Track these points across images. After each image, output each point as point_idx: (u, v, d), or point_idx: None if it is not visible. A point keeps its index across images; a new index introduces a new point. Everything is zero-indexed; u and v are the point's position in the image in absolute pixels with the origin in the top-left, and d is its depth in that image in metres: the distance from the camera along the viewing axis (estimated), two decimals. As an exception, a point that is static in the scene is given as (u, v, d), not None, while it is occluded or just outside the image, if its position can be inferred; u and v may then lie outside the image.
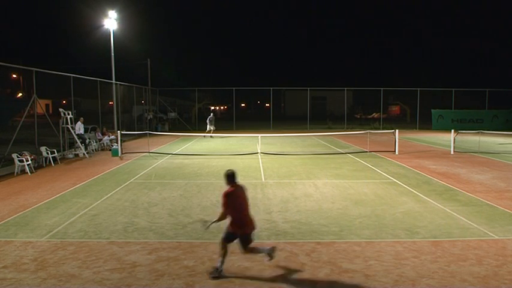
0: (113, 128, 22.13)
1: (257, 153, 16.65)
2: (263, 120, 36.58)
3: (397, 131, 17.07)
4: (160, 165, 13.74)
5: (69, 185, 10.53)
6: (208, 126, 24.54)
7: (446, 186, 10.20)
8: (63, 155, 15.97)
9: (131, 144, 21.24)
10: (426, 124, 32.62)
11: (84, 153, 16.35)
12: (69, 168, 13.48)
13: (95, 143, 18.43)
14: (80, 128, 16.80)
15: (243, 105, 60.33)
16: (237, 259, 5.58)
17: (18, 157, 12.53)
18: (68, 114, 16.02)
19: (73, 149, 16.70)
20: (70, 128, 16.08)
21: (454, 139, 16.93)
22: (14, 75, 25.23)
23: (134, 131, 25.12)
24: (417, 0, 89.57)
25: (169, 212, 7.90)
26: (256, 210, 7.97)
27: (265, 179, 11.27)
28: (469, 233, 6.62)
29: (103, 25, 23.12)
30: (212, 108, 67.05)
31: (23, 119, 14.48)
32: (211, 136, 24.05)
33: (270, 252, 5.20)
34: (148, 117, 30.86)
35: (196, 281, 4.96)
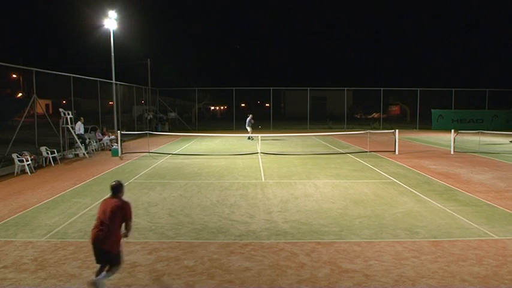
0: (113, 128, 22.12)
1: (257, 153, 16.66)
2: (263, 120, 36.58)
3: (397, 131, 17.08)
4: (161, 165, 13.74)
5: (69, 185, 10.53)
6: (248, 128, 23.43)
7: (446, 186, 10.20)
8: (63, 155, 15.97)
9: (131, 144, 21.25)
10: (426, 124, 32.64)
11: (84, 153, 16.35)
12: (69, 168, 13.49)
13: (95, 143, 18.44)
14: (80, 128, 16.80)
15: (243, 105, 60.27)
16: (237, 259, 5.59)
17: (18, 157, 12.53)
18: (68, 114, 16.02)
19: (73, 149, 16.70)
20: (70, 128, 16.08)
21: (454, 139, 16.94)
22: (14, 75, 25.25)
23: (134, 131, 25.13)
24: (417, 0, 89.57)
25: (169, 212, 7.90)
26: (256, 210, 7.98)
27: (265, 179, 11.27)
28: (469, 233, 6.62)
29: (103, 25, 23.12)
30: (212, 109, 66.98)
31: (23, 119, 14.50)
32: (252, 138, 22.75)
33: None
34: (148, 117, 30.87)
35: (196, 281, 4.96)
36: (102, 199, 4.88)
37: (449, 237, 6.42)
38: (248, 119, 23.05)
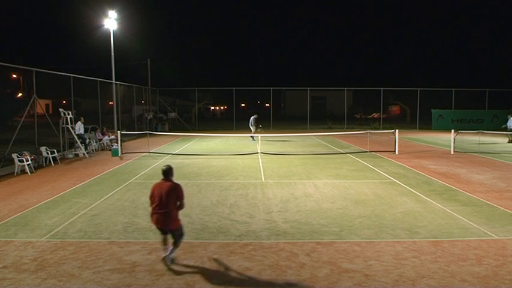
0: (113, 128, 22.13)
1: (257, 153, 16.66)
2: (263, 120, 36.56)
3: (397, 131, 17.08)
4: (161, 165, 13.70)
5: (69, 185, 10.53)
6: (252, 128, 22.93)
7: (446, 186, 10.20)
8: (63, 155, 15.97)
9: (131, 144, 21.25)
10: (426, 124, 32.63)
11: (84, 153, 16.35)
12: (69, 168, 13.48)
13: (95, 143, 18.43)
14: (80, 128, 16.80)
15: (243, 105, 60.30)
16: (237, 259, 5.59)
17: (18, 157, 12.53)
18: (68, 114, 16.02)
19: (73, 149, 16.70)
20: (70, 128, 16.08)
21: (454, 139, 16.94)
22: (14, 75, 25.22)
23: (134, 131, 25.12)
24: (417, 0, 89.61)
25: (169, 212, 7.89)
26: (256, 210, 7.98)
27: (265, 179, 11.27)
28: (469, 233, 6.62)
29: (103, 25, 23.12)
30: (212, 109, 66.96)
31: (23, 119, 14.49)
32: (253, 139, 22.07)
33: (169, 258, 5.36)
34: (148, 117, 30.87)
35: (196, 281, 4.96)
36: (153, 184, 5.47)
37: (449, 237, 6.42)
38: (252, 118, 22.99)
